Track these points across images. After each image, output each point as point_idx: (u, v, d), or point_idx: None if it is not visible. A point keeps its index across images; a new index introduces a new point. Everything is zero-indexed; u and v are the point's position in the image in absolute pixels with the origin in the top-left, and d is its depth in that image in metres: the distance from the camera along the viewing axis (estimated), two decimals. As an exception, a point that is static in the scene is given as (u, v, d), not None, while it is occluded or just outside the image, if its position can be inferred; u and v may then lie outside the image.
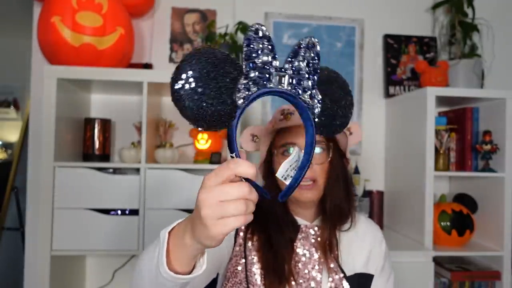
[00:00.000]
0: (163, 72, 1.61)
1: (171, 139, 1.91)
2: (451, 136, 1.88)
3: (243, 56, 0.52)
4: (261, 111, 2.01)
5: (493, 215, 1.76)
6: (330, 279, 0.92)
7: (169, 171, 1.58)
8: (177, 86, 0.48)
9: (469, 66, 1.89)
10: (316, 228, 0.99)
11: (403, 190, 1.88)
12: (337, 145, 0.99)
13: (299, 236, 0.97)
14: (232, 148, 0.52)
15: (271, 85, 0.54)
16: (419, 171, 1.71)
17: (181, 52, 1.97)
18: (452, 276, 1.70)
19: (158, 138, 1.78)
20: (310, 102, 0.57)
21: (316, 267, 0.94)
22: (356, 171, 1.90)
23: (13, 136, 3.89)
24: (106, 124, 1.73)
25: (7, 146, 3.92)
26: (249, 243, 0.96)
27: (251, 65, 0.52)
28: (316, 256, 0.95)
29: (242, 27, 1.72)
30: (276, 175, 0.59)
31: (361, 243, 1.00)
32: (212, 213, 0.49)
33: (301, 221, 1.00)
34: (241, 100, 0.51)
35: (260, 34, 0.51)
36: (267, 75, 0.54)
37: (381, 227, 1.94)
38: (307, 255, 0.95)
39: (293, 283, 0.91)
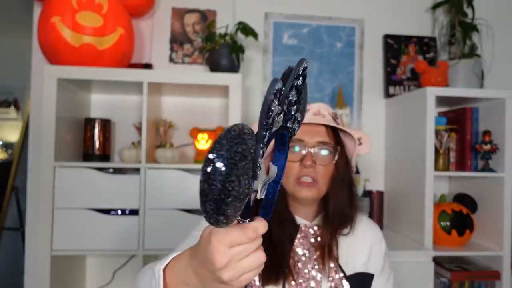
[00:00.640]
0: (163, 72, 1.62)
1: (171, 139, 1.92)
2: (451, 136, 1.88)
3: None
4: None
5: (493, 215, 1.76)
6: (330, 278, 0.92)
7: (169, 171, 1.58)
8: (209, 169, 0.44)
9: (468, 66, 1.89)
10: (315, 228, 0.99)
11: (403, 190, 1.88)
12: (344, 150, 0.99)
13: (298, 236, 0.97)
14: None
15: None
16: (419, 171, 1.72)
17: (181, 52, 1.98)
18: (452, 276, 1.71)
19: (158, 138, 1.79)
20: (293, 126, 0.55)
21: (316, 266, 0.94)
22: (356, 171, 1.90)
23: (13, 136, 3.89)
24: (106, 124, 1.74)
25: (7, 146, 3.92)
26: None
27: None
28: (315, 255, 0.95)
29: (242, 27, 1.72)
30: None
31: (361, 243, 1.00)
32: (235, 274, 0.49)
33: (300, 220, 1.00)
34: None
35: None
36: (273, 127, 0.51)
37: (381, 227, 1.94)
38: (307, 254, 0.95)
39: (292, 282, 0.91)
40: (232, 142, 0.43)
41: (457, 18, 1.98)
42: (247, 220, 0.50)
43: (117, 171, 1.73)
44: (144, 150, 1.58)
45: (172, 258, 0.62)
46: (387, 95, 2.07)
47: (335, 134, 0.98)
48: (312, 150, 0.94)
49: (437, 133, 1.82)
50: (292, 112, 0.53)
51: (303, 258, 0.95)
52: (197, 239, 0.58)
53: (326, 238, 0.96)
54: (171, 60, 1.97)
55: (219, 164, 0.42)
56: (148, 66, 1.86)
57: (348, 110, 1.92)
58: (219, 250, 0.48)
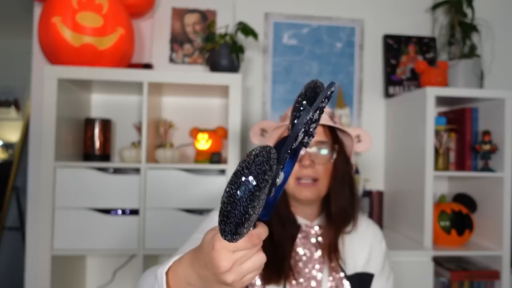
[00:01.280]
0: (163, 72, 1.62)
1: (171, 139, 1.92)
2: (451, 136, 1.88)
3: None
4: (261, 111, 2.01)
5: (493, 215, 1.76)
6: (331, 278, 0.93)
7: (169, 171, 1.59)
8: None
9: (468, 66, 1.89)
10: (317, 228, 0.99)
11: (403, 190, 1.89)
12: (343, 148, 1.00)
13: (299, 236, 0.97)
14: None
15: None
16: (419, 171, 1.72)
17: (181, 52, 1.98)
18: (452, 275, 1.71)
19: (158, 138, 1.79)
20: (309, 140, 0.57)
21: (317, 266, 0.94)
22: (356, 171, 1.90)
23: (13, 136, 3.90)
24: (106, 124, 1.74)
25: (8, 146, 3.93)
26: None
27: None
28: (316, 255, 0.95)
29: (242, 27, 1.72)
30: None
31: (361, 243, 1.00)
32: (238, 276, 0.51)
33: (301, 220, 1.00)
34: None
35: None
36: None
37: (381, 227, 1.94)
38: (308, 254, 0.95)
39: (293, 282, 0.91)
40: (260, 169, 0.44)
41: (456, 18, 1.99)
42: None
43: (117, 171, 1.74)
44: (144, 150, 1.58)
45: (174, 262, 0.62)
46: (387, 95, 2.07)
47: (333, 133, 0.98)
48: (310, 150, 0.94)
49: (437, 133, 1.82)
50: (311, 130, 0.56)
51: (304, 258, 0.95)
52: (198, 241, 0.60)
53: (331, 237, 0.96)
54: (171, 60, 1.97)
55: (246, 191, 0.44)
56: (148, 66, 1.86)
57: (348, 110, 1.92)
58: (223, 255, 0.49)
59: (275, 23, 2.04)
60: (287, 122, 0.98)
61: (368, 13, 2.11)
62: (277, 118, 2.01)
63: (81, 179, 1.55)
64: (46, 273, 1.51)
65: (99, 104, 1.91)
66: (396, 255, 1.55)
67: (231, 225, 0.45)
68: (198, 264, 0.55)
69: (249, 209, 0.44)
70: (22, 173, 3.00)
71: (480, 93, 1.75)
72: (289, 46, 2.05)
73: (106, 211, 1.59)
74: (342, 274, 0.94)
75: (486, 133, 1.75)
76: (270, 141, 1.04)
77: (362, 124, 2.08)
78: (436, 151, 1.80)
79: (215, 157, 1.71)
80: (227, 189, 0.45)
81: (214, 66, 1.72)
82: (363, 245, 1.00)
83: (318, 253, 0.95)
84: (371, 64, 2.11)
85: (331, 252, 0.95)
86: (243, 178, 0.44)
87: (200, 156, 1.78)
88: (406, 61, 2.10)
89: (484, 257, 1.83)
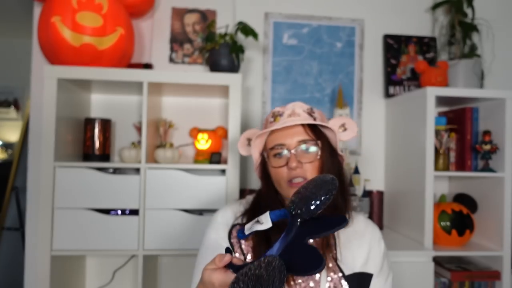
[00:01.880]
0: (163, 72, 1.62)
1: (171, 139, 1.92)
2: (451, 136, 1.88)
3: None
4: (261, 111, 2.01)
5: (493, 215, 1.76)
6: (329, 278, 0.92)
7: (169, 171, 1.58)
8: None
9: (468, 66, 1.89)
10: None
11: (403, 190, 1.88)
12: (327, 142, 0.99)
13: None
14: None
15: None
16: (419, 171, 1.72)
17: (181, 52, 1.98)
18: (452, 276, 1.71)
19: (158, 138, 1.79)
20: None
21: None
22: (356, 171, 1.90)
23: (13, 136, 3.89)
24: (106, 124, 1.74)
25: (7, 146, 3.93)
26: (244, 242, 0.96)
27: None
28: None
29: (242, 27, 1.72)
30: (245, 226, 0.76)
31: (360, 243, 1.00)
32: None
33: None
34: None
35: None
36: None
37: (381, 227, 1.94)
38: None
39: (291, 282, 0.91)
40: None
41: (457, 18, 1.99)
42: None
43: (117, 171, 1.74)
44: (144, 150, 1.58)
45: None
46: (387, 95, 2.07)
47: (314, 129, 0.98)
48: (294, 151, 0.94)
49: (437, 133, 1.82)
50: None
51: None
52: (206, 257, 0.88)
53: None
54: (171, 60, 1.97)
55: None
56: (148, 66, 1.86)
57: (348, 110, 1.92)
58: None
59: (275, 23, 2.04)
60: (269, 128, 0.98)
61: (368, 13, 2.10)
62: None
63: (81, 179, 1.54)
64: (45, 274, 1.51)
65: (99, 104, 1.91)
66: (397, 255, 1.55)
67: None
68: None
69: None
70: (21, 173, 2.99)
71: (481, 93, 1.75)
72: (289, 46, 2.04)
73: (106, 211, 1.58)
74: (340, 274, 0.93)
75: (487, 133, 1.75)
76: (254, 150, 1.04)
77: (362, 124, 2.07)
78: (437, 151, 1.80)
79: (215, 157, 1.71)
80: None
81: (214, 66, 1.72)
82: (361, 245, 1.00)
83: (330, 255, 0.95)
84: (371, 64, 2.10)
85: (326, 249, 0.94)
86: None
87: (200, 156, 1.77)
88: (406, 61, 2.10)
89: (485, 258, 1.82)
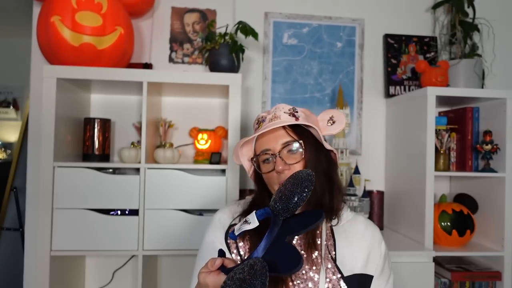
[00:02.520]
0: (163, 72, 1.61)
1: (171, 139, 1.91)
2: (452, 136, 1.88)
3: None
4: (261, 111, 2.00)
5: (494, 215, 1.75)
6: (328, 279, 0.92)
7: (169, 171, 1.58)
8: None
9: (469, 66, 1.89)
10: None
11: (404, 190, 1.88)
12: (312, 139, 0.99)
13: (296, 237, 0.97)
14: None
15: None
16: (420, 171, 1.71)
17: (181, 52, 1.97)
18: (453, 276, 1.70)
19: (158, 138, 1.78)
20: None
21: (314, 267, 0.93)
22: (356, 171, 1.89)
23: (12, 136, 3.89)
24: (106, 124, 1.73)
25: (6, 146, 3.92)
26: (241, 243, 0.96)
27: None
28: (313, 256, 0.94)
29: (242, 27, 1.71)
30: (235, 227, 0.78)
31: (359, 244, 0.99)
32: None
33: None
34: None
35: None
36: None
37: (382, 227, 1.94)
38: (305, 255, 0.94)
39: (290, 284, 0.90)
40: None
41: (457, 17, 1.98)
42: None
43: (117, 171, 1.73)
44: (144, 150, 1.57)
45: None
46: (388, 95, 2.07)
47: (297, 129, 0.97)
48: (279, 155, 0.94)
49: (438, 133, 1.81)
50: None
51: None
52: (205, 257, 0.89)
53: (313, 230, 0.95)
54: (171, 60, 1.97)
55: None
56: (148, 66, 1.85)
57: (348, 110, 1.92)
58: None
59: (275, 23, 2.03)
60: (253, 135, 0.98)
61: (368, 13, 2.10)
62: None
63: (80, 179, 1.54)
64: (45, 274, 1.50)
65: (98, 104, 1.90)
66: (397, 255, 1.55)
67: None
68: None
69: None
70: (21, 174, 2.98)
71: (481, 93, 1.74)
72: (289, 46, 2.04)
73: (106, 212, 1.58)
74: (339, 275, 0.93)
75: (487, 133, 1.75)
76: (243, 159, 1.06)
77: (362, 124, 2.07)
78: (437, 151, 1.80)
79: (215, 157, 1.71)
80: None
81: (214, 66, 1.71)
82: (361, 247, 0.99)
83: (315, 254, 0.95)
84: (371, 63, 2.10)
85: (311, 244, 0.94)
86: None
87: (200, 156, 1.77)
88: (406, 60, 2.09)
89: (485, 258, 1.82)
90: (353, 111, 2.06)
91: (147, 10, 1.91)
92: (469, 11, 1.99)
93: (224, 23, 1.92)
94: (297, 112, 0.99)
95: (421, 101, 1.71)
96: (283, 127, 0.97)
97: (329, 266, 0.93)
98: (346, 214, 1.02)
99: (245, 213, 1.00)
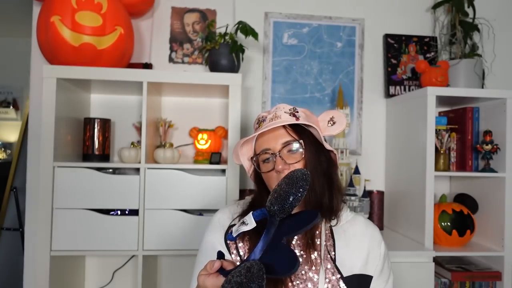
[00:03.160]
0: (163, 72, 1.61)
1: (171, 139, 1.91)
2: (452, 136, 1.88)
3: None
4: (261, 110, 2.00)
5: (494, 215, 1.75)
6: (327, 280, 0.92)
7: (169, 171, 1.58)
8: None
9: (469, 66, 1.89)
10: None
11: (404, 190, 1.88)
12: (312, 139, 0.98)
13: (295, 237, 0.97)
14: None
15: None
16: (420, 171, 1.71)
17: (181, 52, 1.97)
18: (453, 276, 1.70)
19: (158, 138, 1.78)
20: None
21: (313, 268, 0.93)
22: (357, 171, 1.89)
23: (12, 136, 3.89)
24: (105, 124, 1.73)
25: (6, 146, 3.92)
26: (240, 243, 0.96)
27: None
28: (312, 257, 0.94)
29: (242, 27, 1.71)
30: (233, 229, 0.77)
31: (359, 244, 0.99)
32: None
33: None
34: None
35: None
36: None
37: (382, 227, 1.94)
38: (304, 256, 0.94)
39: (289, 284, 0.90)
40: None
41: (457, 17, 1.98)
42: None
43: (117, 171, 1.73)
44: (144, 150, 1.57)
45: None
46: (388, 95, 2.07)
47: (297, 129, 0.97)
48: (279, 154, 0.94)
49: (438, 133, 1.81)
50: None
51: (300, 260, 0.94)
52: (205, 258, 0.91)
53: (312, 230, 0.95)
54: (171, 59, 1.97)
55: None
56: (147, 65, 1.85)
57: (348, 110, 1.92)
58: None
59: (275, 23, 2.03)
60: (257, 131, 0.98)
61: (368, 13, 2.10)
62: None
63: (80, 179, 1.54)
64: (45, 274, 1.50)
65: (98, 104, 1.90)
66: (397, 255, 1.55)
67: None
68: None
69: None
70: (20, 174, 2.98)
71: (481, 93, 1.74)
72: (289, 46, 2.04)
73: (105, 212, 1.58)
74: (338, 276, 0.93)
75: (488, 133, 1.74)
76: (243, 158, 1.05)
77: (362, 124, 2.07)
78: (437, 151, 1.79)
79: (215, 157, 1.70)
80: None
81: (214, 66, 1.71)
82: (360, 247, 0.99)
83: (315, 254, 0.95)
84: (371, 63, 2.10)
85: (310, 245, 0.94)
86: None
87: (200, 156, 1.77)
88: (406, 60, 2.09)
89: (486, 258, 1.82)
90: (353, 111, 2.06)
91: (147, 10, 1.91)
92: (469, 11, 1.99)
93: (224, 23, 1.92)
94: (297, 112, 0.99)
95: (421, 101, 1.71)
96: (284, 126, 0.97)
97: (329, 266, 0.93)
98: (346, 215, 1.02)
99: (244, 213, 1.00)
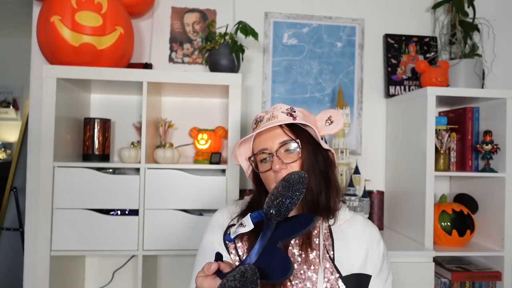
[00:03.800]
0: (163, 72, 1.61)
1: (171, 139, 1.91)
2: (452, 136, 1.88)
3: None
4: (261, 110, 2.00)
5: (494, 215, 1.75)
6: (326, 279, 0.92)
7: (169, 171, 1.58)
8: None
9: (469, 66, 1.89)
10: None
11: (404, 190, 1.88)
12: (309, 139, 0.99)
13: None
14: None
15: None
16: (420, 171, 1.71)
17: (181, 52, 1.97)
18: (453, 276, 1.70)
19: (158, 138, 1.78)
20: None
21: (312, 267, 0.93)
22: (356, 171, 1.89)
23: (12, 136, 3.89)
24: (105, 124, 1.73)
25: (6, 146, 3.92)
26: (239, 243, 0.96)
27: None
28: (311, 256, 0.94)
29: (242, 27, 1.71)
30: (231, 230, 0.78)
31: (358, 244, 0.99)
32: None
33: None
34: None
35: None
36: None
37: (382, 227, 1.94)
38: (303, 255, 0.94)
39: (288, 283, 0.90)
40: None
41: (457, 17, 1.98)
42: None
43: (117, 171, 1.73)
44: (143, 150, 1.57)
45: None
46: (388, 95, 2.07)
47: (294, 128, 0.98)
48: (276, 153, 0.94)
49: (438, 133, 1.81)
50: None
51: (299, 259, 0.94)
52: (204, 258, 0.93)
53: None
54: (171, 60, 1.97)
55: None
56: (147, 65, 1.85)
57: (348, 110, 1.92)
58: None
59: (275, 23, 2.03)
60: (254, 131, 0.98)
61: (368, 13, 2.10)
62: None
63: (80, 179, 1.54)
64: (45, 274, 1.50)
65: (98, 104, 1.90)
66: (397, 255, 1.55)
67: None
68: None
69: None
70: (20, 174, 2.98)
71: (481, 93, 1.74)
72: (289, 46, 2.04)
73: (106, 211, 1.58)
74: (337, 275, 0.93)
75: (488, 133, 1.75)
76: (241, 158, 1.06)
77: (362, 124, 2.07)
78: (437, 151, 1.80)
79: (215, 157, 1.71)
80: None
81: (214, 66, 1.71)
82: (359, 246, 0.99)
83: (313, 254, 0.95)
84: (371, 63, 2.10)
85: (307, 245, 0.93)
86: None
87: (200, 156, 1.77)
88: (406, 60, 2.09)
89: (486, 258, 1.82)
90: (353, 111, 2.06)
91: (147, 10, 1.91)
92: (469, 11, 1.99)
93: (224, 23, 1.92)
94: (294, 111, 0.99)
95: (421, 101, 1.71)
96: (281, 126, 0.97)
97: (327, 265, 0.93)
98: (344, 214, 1.02)
99: (243, 213, 1.00)
